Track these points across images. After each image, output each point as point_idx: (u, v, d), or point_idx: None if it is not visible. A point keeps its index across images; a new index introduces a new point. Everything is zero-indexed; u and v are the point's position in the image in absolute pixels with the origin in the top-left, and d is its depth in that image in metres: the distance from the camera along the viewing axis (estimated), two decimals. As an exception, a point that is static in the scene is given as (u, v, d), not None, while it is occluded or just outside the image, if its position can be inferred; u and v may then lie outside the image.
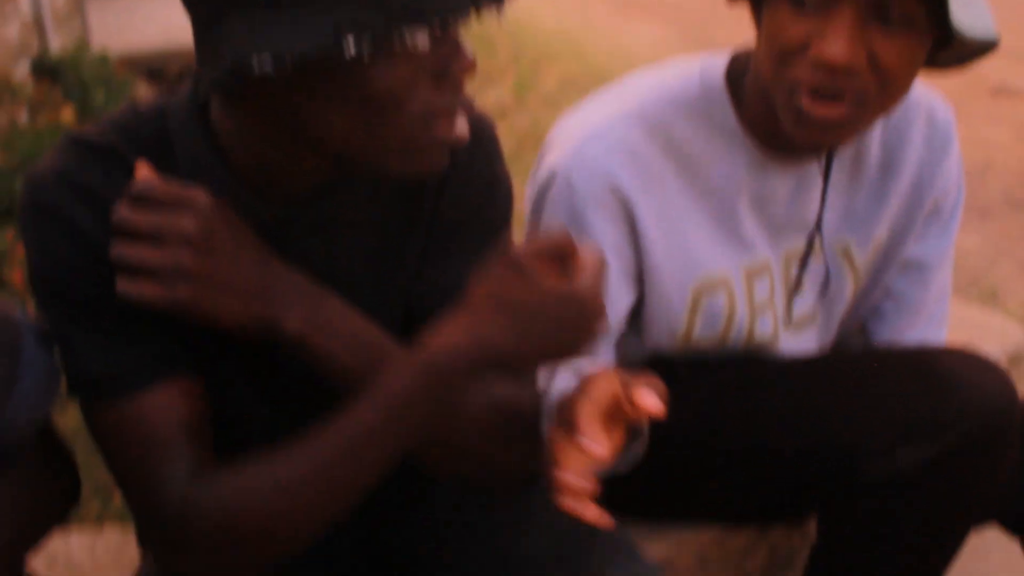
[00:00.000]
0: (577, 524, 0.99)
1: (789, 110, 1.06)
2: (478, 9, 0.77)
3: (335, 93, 0.78)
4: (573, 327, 0.80)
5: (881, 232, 1.28)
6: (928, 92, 1.28)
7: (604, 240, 1.15)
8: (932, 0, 0.98)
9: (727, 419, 1.25)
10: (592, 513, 0.80)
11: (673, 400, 1.26)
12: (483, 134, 0.99)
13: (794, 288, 1.28)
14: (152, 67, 4.65)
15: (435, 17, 0.74)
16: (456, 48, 0.81)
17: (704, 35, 6.38)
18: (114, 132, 0.88)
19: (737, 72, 1.19)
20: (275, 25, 0.73)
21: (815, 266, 1.27)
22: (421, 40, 0.77)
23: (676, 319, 1.22)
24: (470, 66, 0.82)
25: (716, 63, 1.21)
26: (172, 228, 0.81)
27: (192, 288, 0.82)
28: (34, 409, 0.91)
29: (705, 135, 1.18)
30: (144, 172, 0.84)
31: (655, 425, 1.19)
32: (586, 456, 0.80)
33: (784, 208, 1.22)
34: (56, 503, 0.98)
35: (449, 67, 0.81)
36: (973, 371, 1.13)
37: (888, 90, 1.05)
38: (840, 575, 1.24)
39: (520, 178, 4.19)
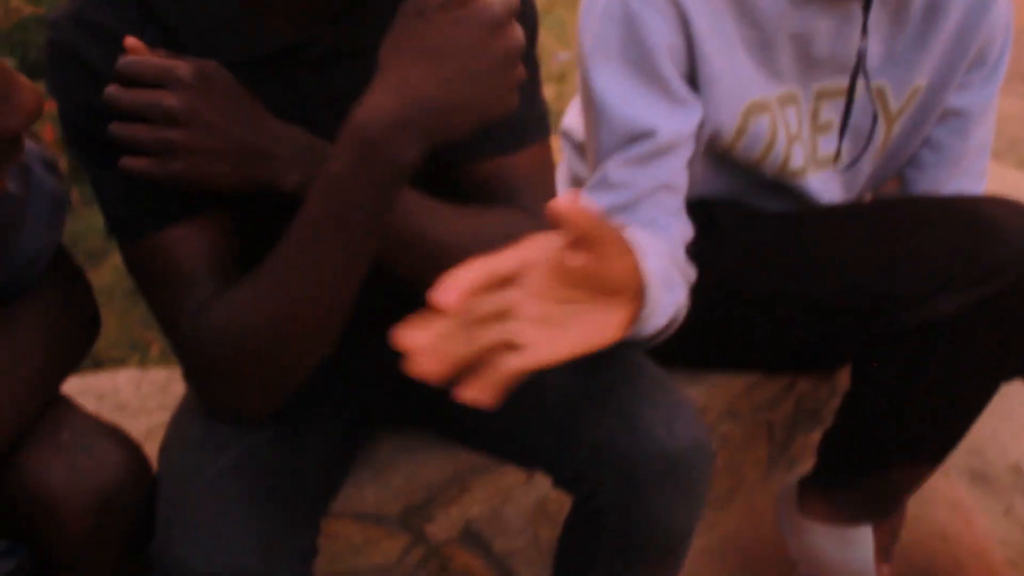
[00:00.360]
0: (611, 360, 1.02)
1: None
2: None
3: None
4: (490, 52, 0.79)
5: (921, 78, 1.25)
6: None
7: (661, 41, 1.12)
8: None
9: (766, 265, 1.25)
10: (431, 371, 0.65)
11: (713, 247, 1.28)
12: None
13: (821, 126, 1.26)
14: None
15: None
16: None
17: None
18: None
19: None
20: None
21: (846, 107, 1.25)
22: None
23: (725, 135, 1.20)
24: None
25: None
26: (156, 106, 0.82)
27: (183, 162, 0.83)
28: (48, 228, 0.95)
29: None
30: (132, 44, 0.84)
31: (699, 272, 1.21)
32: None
33: (823, 46, 1.19)
34: (79, 330, 1.00)
35: None
36: (1015, 218, 1.12)
37: None
38: (871, 422, 1.26)
39: (553, 32, 4.05)
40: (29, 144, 0.95)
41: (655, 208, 1.15)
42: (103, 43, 0.85)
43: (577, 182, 1.42)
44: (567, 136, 1.43)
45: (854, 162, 1.30)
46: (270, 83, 0.90)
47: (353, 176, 0.79)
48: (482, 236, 0.91)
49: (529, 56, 1.00)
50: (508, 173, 0.99)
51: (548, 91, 2.94)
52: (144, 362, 2.06)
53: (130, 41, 0.84)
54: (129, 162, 0.84)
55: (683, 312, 1.09)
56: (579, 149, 1.39)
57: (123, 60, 0.83)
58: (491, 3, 0.79)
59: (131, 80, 0.83)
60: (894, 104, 1.26)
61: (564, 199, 0.69)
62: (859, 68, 1.21)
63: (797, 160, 1.26)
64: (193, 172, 0.84)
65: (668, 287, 1.01)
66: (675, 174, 1.16)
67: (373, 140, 0.78)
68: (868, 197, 1.43)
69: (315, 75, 0.92)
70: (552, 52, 3.40)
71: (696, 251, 1.25)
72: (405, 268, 0.92)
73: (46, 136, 2.46)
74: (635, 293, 0.84)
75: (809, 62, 1.21)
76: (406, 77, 0.78)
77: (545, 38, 3.50)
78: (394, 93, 0.78)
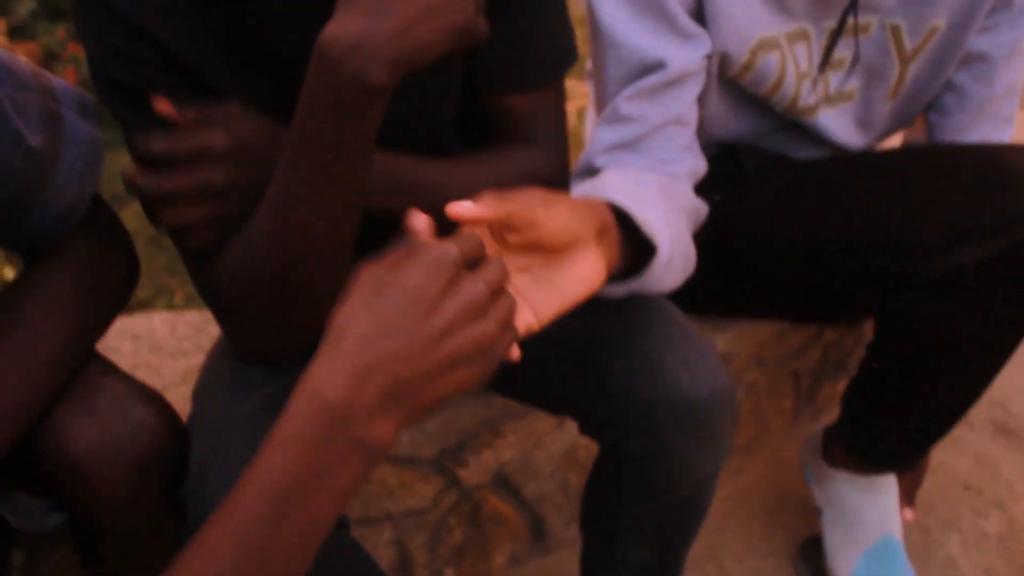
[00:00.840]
0: (635, 305, 1.02)
1: None
2: None
3: None
4: None
5: (939, 19, 1.22)
6: None
7: None
8: None
9: (791, 211, 1.24)
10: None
11: (738, 193, 1.27)
12: None
13: (834, 63, 1.24)
14: None
15: None
16: None
17: None
18: None
19: None
20: None
21: (856, 42, 1.23)
22: None
23: (732, 67, 1.19)
24: None
25: None
26: (199, 186, 0.83)
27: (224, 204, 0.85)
28: (81, 178, 0.94)
29: None
30: (163, 108, 0.84)
31: (720, 219, 1.20)
32: None
33: None
34: (116, 283, 0.99)
35: None
36: None
37: None
38: (894, 373, 1.26)
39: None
40: (63, 85, 0.95)
41: (667, 142, 1.14)
42: None
43: None
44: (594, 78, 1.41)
45: (868, 100, 1.28)
46: (295, 7, 0.89)
47: (322, 99, 0.79)
48: (478, 184, 0.92)
49: None
50: (518, 111, 1.01)
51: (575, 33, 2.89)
52: (170, 307, 2.07)
53: (161, 105, 0.84)
54: (170, 218, 0.85)
55: (686, 237, 1.07)
56: None
57: (156, 144, 0.83)
58: None
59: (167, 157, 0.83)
60: (909, 43, 1.24)
61: (460, 206, 0.72)
62: (853, 5, 1.19)
63: (807, 98, 1.25)
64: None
65: (647, 207, 0.98)
66: (686, 108, 1.15)
67: (336, 60, 0.77)
68: (897, 141, 1.41)
69: None
70: (579, -6, 3.33)
71: (722, 198, 1.24)
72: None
73: (69, 79, 2.46)
74: (598, 232, 0.83)
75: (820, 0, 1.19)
76: (370, 1, 0.78)
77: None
78: (358, 13, 0.78)
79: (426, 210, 0.79)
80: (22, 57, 0.94)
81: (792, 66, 1.21)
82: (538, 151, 1.02)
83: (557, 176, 1.03)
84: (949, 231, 1.10)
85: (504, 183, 0.96)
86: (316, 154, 0.80)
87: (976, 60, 1.27)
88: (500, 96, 1.01)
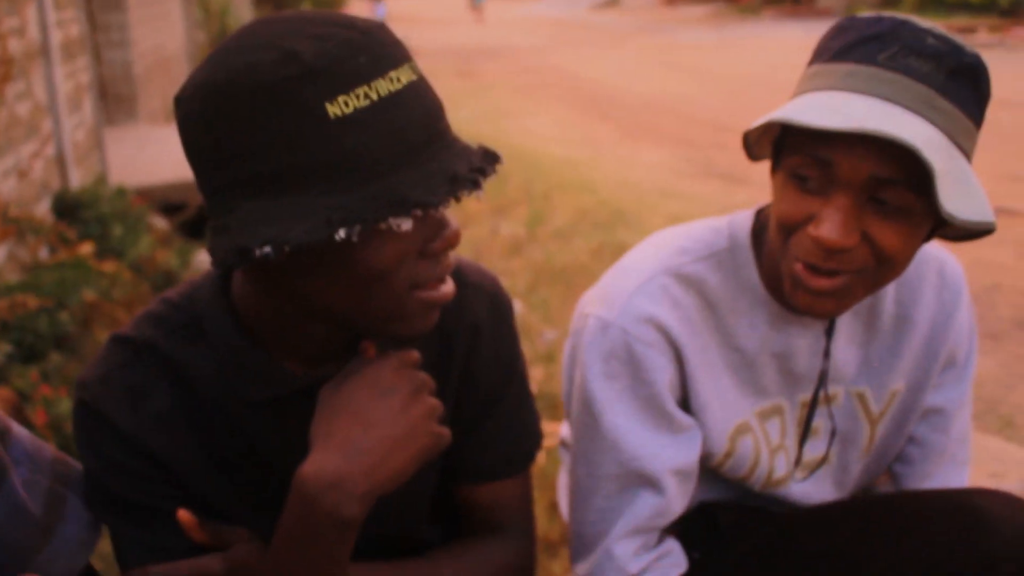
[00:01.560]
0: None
1: (788, 276, 1.10)
2: (456, 199, 0.83)
3: (329, 272, 0.84)
4: (411, 417, 0.91)
5: (898, 383, 1.32)
6: (939, 248, 1.33)
7: (664, 377, 1.19)
8: (926, 192, 1.00)
9: (769, 567, 1.27)
10: None
11: (717, 551, 1.30)
12: (500, 305, 1.09)
13: (811, 431, 1.31)
14: (166, 200, 4.79)
15: (416, 207, 0.80)
16: (439, 225, 0.87)
17: (708, 162, 6.55)
18: (150, 325, 0.97)
19: (761, 228, 1.23)
20: (274, 214, 0.79)
21: (829, 412, 1.31)
22: (405, 225, 0.82)
23: (714, 458, 1.26)
24: (453, 238, 0.88)
25: (744, 219, 1.24)
26: None
27: None
28: (71, 557, 0.98)
29: (732, 290, 1.22)
30: (185, 518, 0.93)
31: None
32: None
33: (803, 361, 1.26)
34: None
35: (433, 243, 0.87)
36: (1008, 510, 1.15)
37: (886, 266, 1.08)
38: None
39: (538, 312, 4.18)
40: (75, 471, 1.00)
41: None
42: (130, 403, 0.94)
43: None
44: (568, 447, 1.46)
45: (844, 463, 1.34)
46: (290, 418, 0.97)
47: (297, 531, 0.86)
48: None
49: (515, 382, 1.11)
50: (486, 501, 1.09)
51: (537, 372, 3.01)
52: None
53: (183, 514, 0.92)
54: None
55: None
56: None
57: (155, 570, 0.93)
58: (406, 373, 0.92)
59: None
60: (875, 407, 1.32)
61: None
62: (821, 384, 1.28)
63: (780, 469, 1.31)
64: None
65: None
66: (677, 510, 1.22)
67: (313, 496, 0.85)
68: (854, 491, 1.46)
69: None
70: (539, 332, 3.48)
71: (701, 555, 1.28)
72: None
73: (38, 420, 2.49)
74: None
75: (792, 376, 1.27)
76: (344, 439, 0.87)
77: (530, 318, 3.61)
78: (334, 451, 0.87)
79: None
80: (50, 446, 1.01)
81: (764, 443, 1.28)
82: (506, 543, 1.08)
83: (525, 564, 1.10)
84: None
85: None
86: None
87: (933, 414, 1.35)
88: (468, 487, 1.09)
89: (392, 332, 0.90)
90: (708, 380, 1.23)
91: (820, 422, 1.31)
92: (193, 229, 4.73)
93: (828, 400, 1.30)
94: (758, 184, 5.78)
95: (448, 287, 0.91)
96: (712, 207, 5.12)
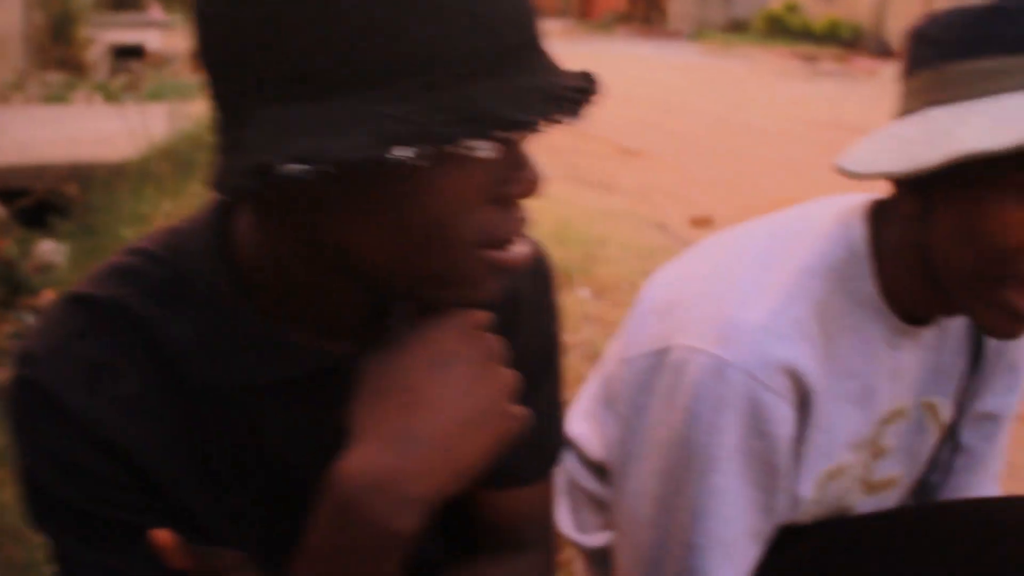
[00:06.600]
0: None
1: (1002, 308, 0.96)
2: (554, 121, 0.64)
3: (376, 212, 0.64)
4: (482, 394, 0.71)
5: (962, 387, 1.22)
6: None
7: (787, 431, 1.02)
8: None
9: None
10: None
11: (764, 566, 1.17)
12: (544, 273, 0.92)
13: (880, 450, 1.18)
14: (5, 186, 4.43)
15: (504, 127, 0.61)
16: (520, 163, 0.68)
17: (573, 167, 6.53)
18: (118, 282, 0.74)
19: (877, 234, 1.08)
20: (310, 123, 0.60)
21: (902, 428, 1.19)
22: (485, 151, 0.63)
23: (798, 505, 1.12)
24: (536, 182, 0.69)
25: (857, 222, 1.08)
26: None
27: None
28: None
29: (845, 305, 1.07)
30: (162, 537, 0.67)
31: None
32: None
33: (909, 377, 1.14)
34: None
35: (509, 186, 0.68)
36: None
37: None
38: None
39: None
40: None
41: None
42: (88, 383, 0.70)
43: (592, 499, 1.29)
44: (572, 447, 1.31)
45: (910, 479, 1.23)
46: (298, 407, 0.77)
47: (333, 544, 0.66)
48: None
49: (554, 368, 0.93)
50: (509, 511, 0.91)
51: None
52: None
53: (161, 535, 0.66)
54: None
55: None
56: (588, 463, 1.28)
57: None
58: (478, 335, 0.72)
59: None
60: (944, 414, 1.22)
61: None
62: (961, 411, 1.17)
63: (853, 496, 1.19)
64: None
65: None
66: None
67: (355, 501, 0.65)
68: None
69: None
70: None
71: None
72: None
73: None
74: None
75: (899, 397, 1.15)
76: (394, 427, 0.67)
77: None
78: (381, 442, 0.67)
79: None
80: None
81: (855, 480, 1.16)
82: (528, 562, 0.90)
83: None
84: None
85: None
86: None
87: (985, 419, 1.27)
88: (491, 493, 0.89)
89: (444, 300, 0.71)
90: (825, 421, 1.08)
91: (891, 441, 1.18)
92: (34, 217, 4.40)
93: (900, 414, 1.17)
94: (625, 191, 5.80)
95: (524, 249, 0.71)
96: (595, 209, 5.04)
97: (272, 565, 0.74)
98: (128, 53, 10.68)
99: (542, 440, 0.91)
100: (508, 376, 0.73)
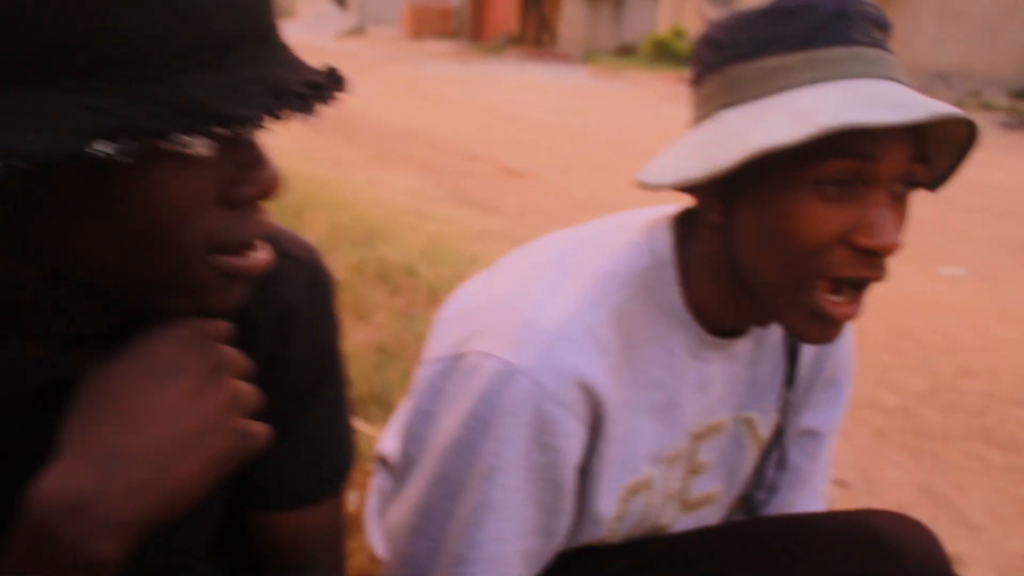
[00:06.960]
0: None
1: (805, 309, 0.94)
2: (277, 117, 0.60)
3: (90, 214, 0.59)
4: (206, 408, 0.66)
5: (782, 402, 1.21)
6: None
7: (573, 445, 0.98)
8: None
9: None
10: None
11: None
12: (321, 283, 0.86)
13: (697, 467, 1.16)
14: None
15: (218, 121, 0.57)
16: (253, 162, 0.64)
17: (458, 188, 6.52)
18: None
19: (683, 244, 1.05)
20: (2, 117, 0.54)
21: (720, 444, 1.16)
22: (200, 147, 0.59)
23: (600, 523, 1.08)
24: (272, 183, 0.64)
25: (662, 231, 1.06)
26: None
27: None
28: None
29: (648, 314, 1.04)
30: None
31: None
32: None
33: (717, 391, 1.11)
34: None
35: (241, 187, 0.64)
36: (908, 532, 1.07)
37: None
38: None
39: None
40: None
41: None
42: None
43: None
44: (385, 463, 1.26)
45: (728, 496, 1.22)
46: (28, 425, 0.69)
47: (23, 574, 0.59)
48: None
49: (332, 381, 0.88)
50: (293, 532, 0.86)
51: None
52: None
53: None
54: None
55: None
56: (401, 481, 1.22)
57: None
58: (209, 346, 0.67)
59: None
60: (764, 432, 1.20)
61: None
62: (783, 424, 1.16)
63: (668, 514, 1.16)
64: None
65: None
66: None
67: (48, 524, 0.59)
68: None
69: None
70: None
71: None
72: None
73: None
74: None
75: (707, 408, 1.12)
76: (101, 444, 0.61)
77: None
78: (82, 460, 0.61)
79: None
80: None
81: (659, 495, 1.12)
82: None
83: None
84: None
85: None
86: None
87: (807, 436, 1.26)
88: (273, 514, 0.84)
89: (176, 308, 0.66)
90: (623, 434, 1.03)
91: (709, 457, 1.15)
92: None
93: (716, 430, 1.15)
94: (505, 212, 5.78)
95: (261, 255, 0.67)
96: (471, 229, 5.01)
97: None
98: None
99: (322, 457, 0.87)
100: (240, 390, 0.68)
